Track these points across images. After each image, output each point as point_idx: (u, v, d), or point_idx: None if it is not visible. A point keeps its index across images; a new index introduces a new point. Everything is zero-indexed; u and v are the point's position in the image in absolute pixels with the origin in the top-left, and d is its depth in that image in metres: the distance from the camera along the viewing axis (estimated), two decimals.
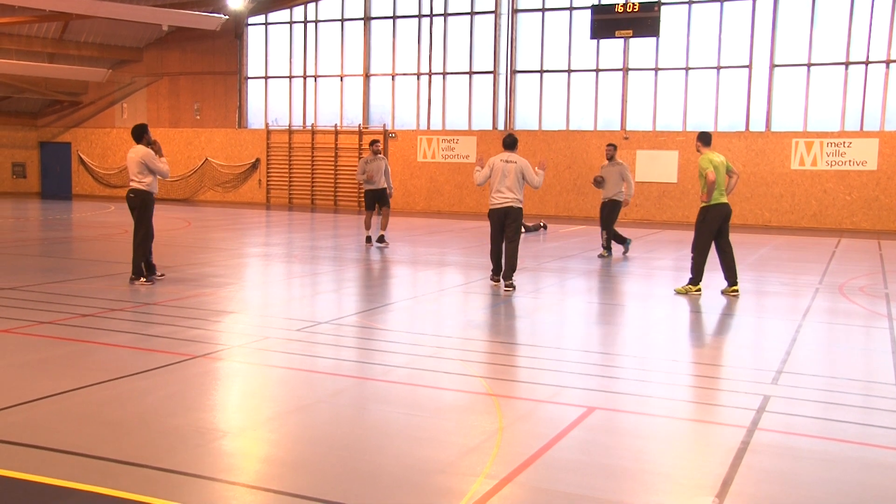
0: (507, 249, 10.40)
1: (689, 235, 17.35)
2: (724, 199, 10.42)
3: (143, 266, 10.33)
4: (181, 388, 5.81)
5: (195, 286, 10.24)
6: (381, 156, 15.60)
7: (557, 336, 8.24)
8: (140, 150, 10.22)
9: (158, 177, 10.41)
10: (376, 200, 15.62)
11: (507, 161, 10.39)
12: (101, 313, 8.35)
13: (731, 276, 10.54)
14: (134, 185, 10.28)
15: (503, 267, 10.46)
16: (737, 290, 10.52)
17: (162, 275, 10.57)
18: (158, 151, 10.37)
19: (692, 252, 10.59)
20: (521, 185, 10.44)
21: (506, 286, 10.29)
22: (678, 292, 10.48)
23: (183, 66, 30.38)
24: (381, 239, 15.39)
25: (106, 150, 31.73)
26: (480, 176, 10.56)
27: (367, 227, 15.83)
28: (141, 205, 10.25)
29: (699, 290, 10.46)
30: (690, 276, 10.55)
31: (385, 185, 15.56)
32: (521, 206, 10.46)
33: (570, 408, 5.51)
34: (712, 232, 10.42)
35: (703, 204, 10.39)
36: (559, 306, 9.89)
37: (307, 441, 4.85)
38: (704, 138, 10.55)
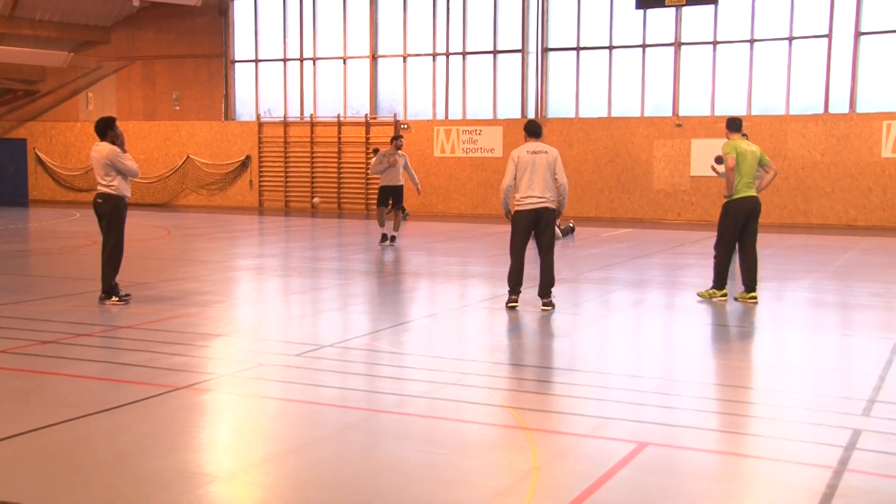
0: (543, 261, 10.29)
1: (761, 236, 17.25)
2: (752, 193, 10.74)
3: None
4: (161, 425, 5.85)
5: (177, 305, 10.30)
6: (402, 152, 17.30)
7: (601, 359, 8.21)
8: (104, 149, 10.23)
9: (129, 177, 10.45)
10: (391, 196, 17.04)
11: (534, 152, 10.05)
12: (66, 339, 8.41)
13: (749, 280, 10.83)
14: (101, 188, 10.31)
15: (539, 282, 10.32)
16: (755, 298, 10.75)
17: (127, 295, 10.49)
18: (121, 145, 10.32)
19: (714, 252, 11.04)
20: (553, 181, 10.11)
21: (543, 304, 10.21)
22: (701, 296, 10.92)
23: (158, 48, 30.66)
24: (392, 239, 17.01)
25: (69, 148, 32.07)
26: (507, 178, 10.07)
27: (382, 224, 17.22)
28: (111, 211, 10.29)
29: (724, 295, 10.82)
30: (713, 278, 10.91)
31: (402, 183, 17.16)
32: (554, 206, 10.16)
33: (618, 443, 5.49)
34: (737, 229, 10.76)
35: (726, 198, 10.75)
36: (602, 324, 9.86)
37: (309, 485, 4.86)
38: (733, 124, 10.96)
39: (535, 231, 10.19)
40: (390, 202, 17.10)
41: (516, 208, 10.17)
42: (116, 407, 6.15)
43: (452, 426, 5.90)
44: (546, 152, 10.12)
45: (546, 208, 10.09)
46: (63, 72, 31.41)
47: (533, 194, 10.03)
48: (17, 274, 13.44)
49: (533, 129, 10.31)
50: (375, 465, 5.12)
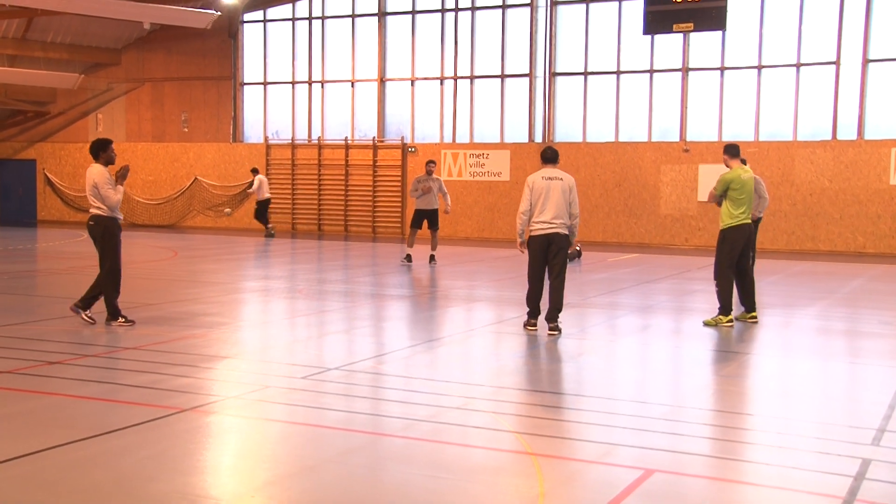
0: (552, 285, 10.31)
1: (768, 262, 17.31)
2: (748, 220, 11.10)
3: (86, 302, 10.29)
4: (165, 447, 5.84)
5: (182, 327, 10.31)
6: (434, 175, 18.17)
7: (608, 384, 8.19)
8: (94, 170, 10.17)
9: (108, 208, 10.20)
10: (426, 219, 17.95)
11: (549, 178, 10.23)
12: (71, 360, 8.42)
13: (748, 301, 11.24)
14: (93, 210, 10.24)
15: (547, 306, 10.32)
16: (755, 318, 11.19)
17: (127, 318, 10.44)
18: (121, 178, 10.25)
19: (714, 280, 11.17)
20: (568, 207, 10.25)
21: (550, 329, 10.21)
22: (707, 324, 10.98)
23: (168, 70, 30.84)
24: (431, 258, 17.99)
25: (77, 169, 32.16)
26: (524, 204, 10.24)
27: (410, 245, 18.20)
28: (103, 234, 10.22)
29: (731, 321, 10.94)
30: (719, 305, 11.01)
31: (436, 206, 18.04)
32: (567, 232, 10.28)
33: (625, 469, 5.47)
34: (735, 255, 11.02)
35: (724, 226, 11.04)
36: (609, 349, 9.83)
37: None
38: (733, 150, 11.26)
39: (547, 256, 10.27)
40: (425, 224, 17.91)
41: (530, 234, 10.33)
42: (120, 429, 6.14)
43: (458, 451, 5.87)
44: (561, 179, 10.27)
45: (557, 233, 10.19)
46: (73, 93, 31.58)
47: (544, 220, 10.17)
48: (23, 294, 13.47)
49: (548, 156, 10.51)
50: (380, 490, 5.10)
